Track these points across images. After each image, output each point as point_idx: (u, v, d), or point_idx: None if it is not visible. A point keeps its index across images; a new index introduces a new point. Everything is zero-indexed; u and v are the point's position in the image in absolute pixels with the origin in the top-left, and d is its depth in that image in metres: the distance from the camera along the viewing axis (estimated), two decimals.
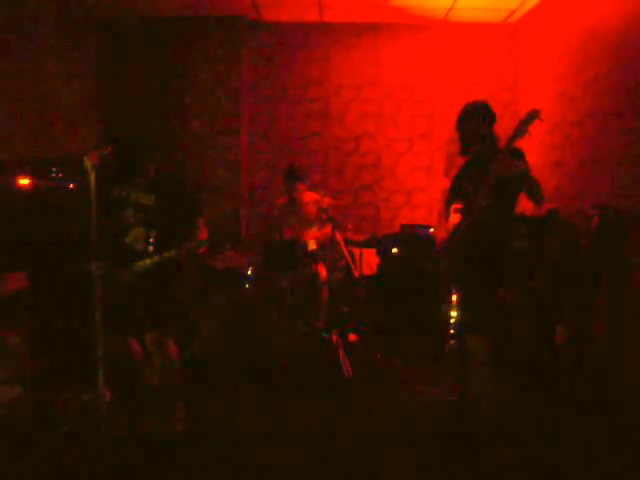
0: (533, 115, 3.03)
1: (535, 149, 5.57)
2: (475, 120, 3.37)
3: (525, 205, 5.50)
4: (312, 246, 5.05)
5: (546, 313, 4.34)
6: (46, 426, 3.46)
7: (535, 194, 3.24)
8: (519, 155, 3.19)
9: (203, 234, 3.44)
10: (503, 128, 3.32)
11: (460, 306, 3.60)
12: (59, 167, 4.22)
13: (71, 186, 4.35)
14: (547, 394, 3.87)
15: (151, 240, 3.33)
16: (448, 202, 3.67)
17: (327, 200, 4.88)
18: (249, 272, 5.09)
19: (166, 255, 3.27)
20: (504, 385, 3.59)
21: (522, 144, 3.17)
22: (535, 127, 3.08)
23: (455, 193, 3.59)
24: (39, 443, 3.25)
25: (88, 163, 2.66)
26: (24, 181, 4.38)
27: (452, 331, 4.66)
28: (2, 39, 4.90)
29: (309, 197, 5.19)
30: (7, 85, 4.95)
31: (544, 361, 4.17)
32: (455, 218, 3.49)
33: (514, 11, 6.38)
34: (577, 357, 4.05)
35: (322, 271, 5.00)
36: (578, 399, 3.71)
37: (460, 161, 3.66)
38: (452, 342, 4.65)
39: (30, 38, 5.29)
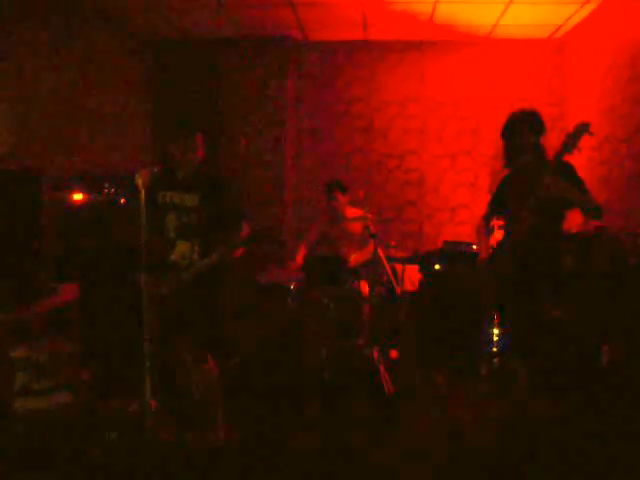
0: (583, 129, 2.92)
1: (583, 164, 5.48)
2: (522, 129, 3.23)
3: (572, 222, 5.42)
4: (354, 261, 5.06)
5: (593, 332, 4.24)
6: (94, 432, 3.55)
7: (589, 209, 3.09)
8: (568, 170, 3.07)
9: (244, 235, 3.35)
10: (550, 144, 3.23)
11: (507, 325, 3.52)
12: (111, 183, 4.39)
13: (122, 201, 4.52)
14: (592, 414, 3.77)
15: (196, 249, 3.31)
16: (487, 216, 3.60)
17: (370, 216, 4.88)
18: (292, 287, 5.13)
19: (207, 260, 3.23)
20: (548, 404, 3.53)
21: (571, 159, 3.07)
22: (584, 143, 2.94)
23: (496, 207, 3.51)
24: (87, 449, 3.35)
25: (139, 180, 2.76)
26: (78, 196, 4.57)
27: (495, 349, 4.60)
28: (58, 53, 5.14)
29: (352, 213, 5.21)
30: (59, 99, 5.17)
31: (590, 381, 4.07)
32: (499, 235, 3.45)
33: (560, 26, 6.31)
34: (624, 378, 3.94)
35: (364, 287, 5.01)
36: (624, 420, 3.61)
37: (503, 175, 3.55)
38: (495, 360, 4.59)
39: (83, 56, 5.53)
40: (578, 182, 3.10)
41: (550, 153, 3.09)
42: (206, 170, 3.42)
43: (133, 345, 2.97)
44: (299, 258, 5.14)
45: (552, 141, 3.11)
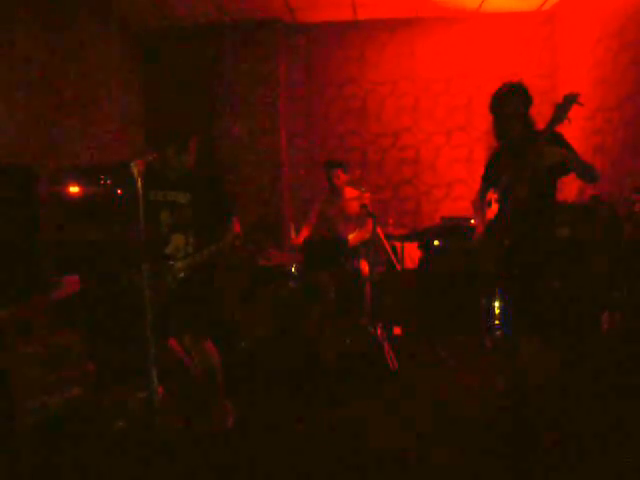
0: (572, 99, 2.91)
1: (576, 135, 5.48)
2: (510, 100, 3.22)
3: (566, 192, 5.45)
4: (353, 241, 5.08)
5: (593, 300, 4.28)
6: (103, 423, 3.60)
7: (584, 173, 3.07)
8: (558, 139, 3.07)
9: (237, 230, 3.43)
10: (542, 116, 3.23)
11: (505, 299, 3.54)
12: (107, 174, 4.39)
13: (119, 192, 4.52)
14: (594, 381, 3.82)
15: (190, 242, 3.38)
16: (482, 190, 3.61)
17: (367, 196, 4.90)
18: (293, 270, 5.16)
19: (205, 252, 3.31)
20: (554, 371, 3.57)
21: (563, 130, 3.05)
22: (575, 113, 2.93)
23: (490, 180, 3.52)
24: (96, 439, 3.40)
25: (135, 170, 2.76)
26: (75, 188, 4.57)
27: (496, 322, 4.64)
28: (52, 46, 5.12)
29: (350, 193, 5.22)
30: (53, 95, 5.16)
31: (592, 347, 4.12)
32: (495, 208, 3.46)
33: None
34: (625, 344, 3.99)
35: (364, 266, 5.04)
36: (625, 385, 3.66)
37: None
38: (497, 333, 4.64)
39: (78, 49, 5.51)
40: (570, 148, 3.10)
41: (541, 125, 3.10)
42: (198, 169, 3.49)
43: (136, 334, 2.99)
44: (300, 239, 5.17)
45: (544, 113, 3.11)
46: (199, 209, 3.38)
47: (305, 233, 5.27)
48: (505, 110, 3.24)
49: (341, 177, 5.19)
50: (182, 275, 3.32)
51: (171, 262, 3.33)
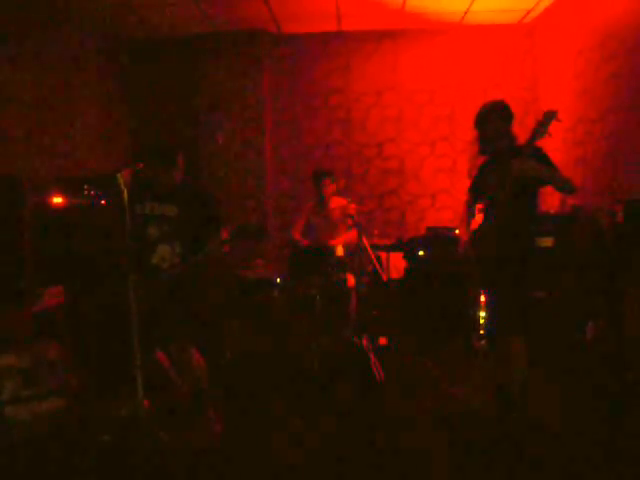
0: (551, 116, 3.09)
1: (558, 146, 5.57)
2: (493, 119, 3.40)
3: (550, 203, 5.51)
4: (339, 252, 5.09)
5: (576, 309, 4.33)
6: (88, 436, 3.55)
7: (562, 186, 3.25)
8: (537, 153, 3.21)
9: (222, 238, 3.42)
10: (525, 128, 3.34)
11: (491, 307, 3.60)
12: (92, 185, 4.36)
13: (103, 202, 4.49)
14: (579, 390, 3.86)
15: (177, 252, 3.38)
16: (469, 203, 3.73)
17: (353, 206, 4.92)
18: (278, 280, 5.16)
19: (191, 261, 3.32)
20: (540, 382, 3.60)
21: (544, 142, 3.20)
22: (557, 125, 3.11)
23: (476, 194, 3.64)
24: (81, 452, 3.35)
25: (121, 180, 2.75)
26: (58, 199, 4.53)
27: (482, 331, 4.67)
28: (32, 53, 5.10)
29: (336, 202, 5.24)
30: (34, 100, 5.12)
31: (575, 357, 4.16)
32: (479, 218, 3.54)
33: (530, 11, 6.38)
34: (608, 352, 4.03)
35: (350, 277, 5.05)
36: (609, 394, 3.70)
37: (481, 161, 3.69)
38: (482, 342, 4.66)
39: (60, 57, 5.49)
40: (548, 162, 3.24)
41: (523, 137, 3.25)
42: (185, 182, 3.50)
43: (121, 346, 2.97)
44: (297, 236, 5.19)
45: (527, 124, 3.23)
46: (187, 221, 3.39)
47: (298, 232, 5.28)
48: (487, 128, 3.41)
49: (329, 186, 5.21)
50: (169, 283, 3.31)
51: (155, 274, 3.32)
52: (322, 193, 5.24)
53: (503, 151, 3.38)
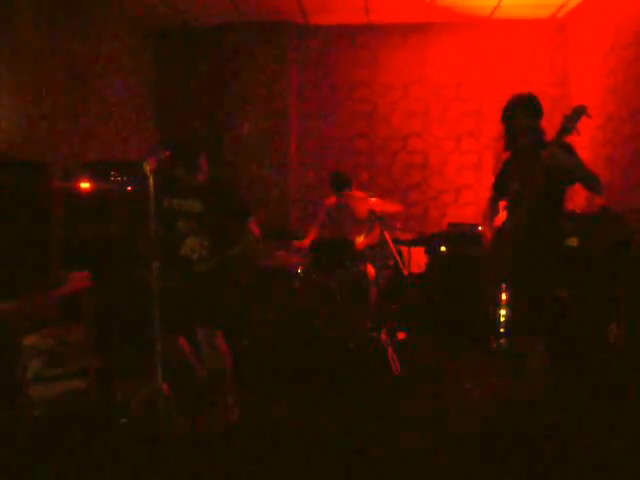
0: (580, 111, 2.96)
1: (586, 144, 5.49)
2: (521, 112, 3.30)
3: (576, 202, 5.44)
4: (360, 245, 5.09)
5: (599, 311, 4.27)
6: (108, 419, 3.61)
7: (591, 184, 3.11)
8: (567, 149, 3.09)
9: (256, 233, 3.51)
10: (554, 124, 3.26)
11: (514, 306, 3.55)
12: (119, 171, 4.42)
13: (129, 189, 4.54)
14: (600, 392, 3.82)
15: (205, 245, 3.43)
16: (493, 199, 3.63)
17: (375, 200, 4.91)
18: (299, 271, 5.17)
19: (222, 257, 3.38)
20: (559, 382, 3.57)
21: (573, 140, 3.10)
22: (586, 123, 2.99)
23: (500, 190, 3.55)
24: (100, 435, 3.41)
25: (147, 168, 2.78)
26: (85, 184, 4.60)
27: (502, 329, 4.64)
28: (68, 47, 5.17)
29: (357, 196, 5.24)
30: (66, 89, 5.20)
31: (597, 359, 4.11)
32: (503, 216, 3.47)
33: (562, 6, 6.28)
34: (630, 355, 3.98)
35: (370, 270, 5.05)
36: (631, 397, 3.65)
37: (506, 157, 3.60)
38: (502, 340, 4.63)
39: (91, 45, 5.56)
40: (578, 159, 3.14)
41: (551, 134, 3.15)
42: (209, 178, 3.53)
43: (144, 331, 3.01)
44: (307, 241, 5.19)
45: (555, 121, 3.13)
46: (212, 216, 3.43)
47: (313, 235, 5.29)
48: (513, 121, 3.31)
49: (346, 196, 5.23)
50: (203, 271, 3.37)
51: (185, 265, 3.37)
52: (340, 202, 5.28)
53: (529, 147, 3.27)
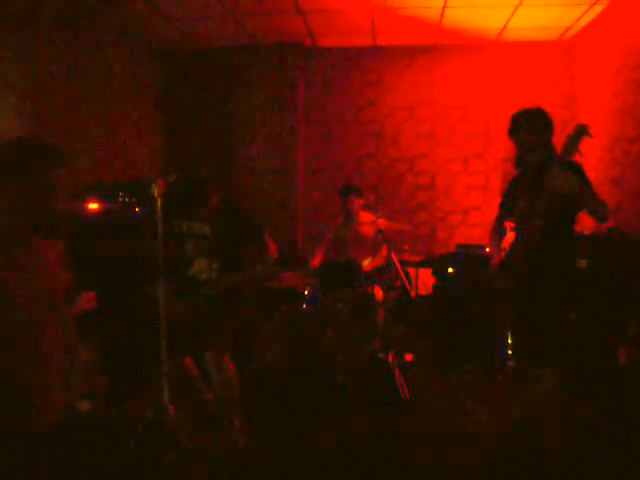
0: (581, 131, 2.87)
1: (594, 165, 5.48)
2: (523, 129, 3.18)
3: (584, 223, 5.40)
4: (367, 267, 5.08)
5: (609, 334, 4.23)
6: (114, 439, 3.58)
7: (597, 211, 3.02)
8: (577, 171, 2.99)
9: (273, 251, 3.50)
10: (561, 146, 3.22)
11: (522, 334, 3.43)
12: (127, 192, 4.44)
13: (137, 210, 4.56)
14: (611, 416, 3.76)
15: (214, 267, 3.41)
16: (499, 219, 3.56)
17: (382, 221, 4.91)
18: (306, 293, 5.15)
19: (233, 279, 3.37)
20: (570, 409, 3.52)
21: (582, 161, 3.03)
22: (593, 144, 2.93)
23: (507, 208, 3.46)
24: (107, 456, 3.38)
25: (155, 190, 2.81)
26: (93, 205, 4.62)
27: (510, 352, 4.59)
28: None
29: (365, 218, 5.24)
30: (75, 108, 5.26)
31: (607, 382, 4.06)
32: (511, 237, 3.42)
33: (569, 28, 6.32)
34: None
35: (378, 292, 5.03)
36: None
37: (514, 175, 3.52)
38: (510, 363, 4.58)
39: (96, 65, 5.64)
40: (587, 183, 3.06)
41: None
42: (219, 201, 3.53)
43: (150, 353, 3.00)
44: (315, 262, 5.18)
45: (562, 142, 3.09)
46: (221, 240, 3.42)
47: (320, 256, 5.28)
48: (518, 139, 3.22)
49: (356, 202, 5.23)
50: (212, 293, 3.36)
51: (195, 289, 3.36)
52: (349, 209, 5.26)
53: (538, 163, 3.14)
